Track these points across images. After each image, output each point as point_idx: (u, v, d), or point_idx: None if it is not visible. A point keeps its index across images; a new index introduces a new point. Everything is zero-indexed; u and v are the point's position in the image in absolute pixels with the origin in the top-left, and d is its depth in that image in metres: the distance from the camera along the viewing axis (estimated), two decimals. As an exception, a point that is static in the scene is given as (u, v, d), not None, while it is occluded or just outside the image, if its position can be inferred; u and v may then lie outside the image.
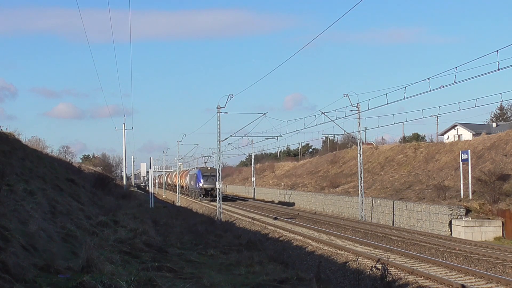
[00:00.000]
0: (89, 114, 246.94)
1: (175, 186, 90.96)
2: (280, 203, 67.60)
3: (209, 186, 66.42)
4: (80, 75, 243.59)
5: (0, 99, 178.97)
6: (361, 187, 41.95)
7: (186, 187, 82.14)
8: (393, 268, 18.41)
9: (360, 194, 42.19)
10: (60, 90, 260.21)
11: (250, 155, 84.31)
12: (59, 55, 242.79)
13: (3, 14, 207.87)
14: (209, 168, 69.03)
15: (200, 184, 67.17)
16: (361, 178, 42.03)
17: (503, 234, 30.86)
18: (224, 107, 42.13)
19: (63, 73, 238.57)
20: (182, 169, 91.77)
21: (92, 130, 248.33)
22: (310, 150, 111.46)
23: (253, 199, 75.79)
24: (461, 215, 32.49)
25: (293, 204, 64.37)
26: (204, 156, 69.69)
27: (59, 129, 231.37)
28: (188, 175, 79.94)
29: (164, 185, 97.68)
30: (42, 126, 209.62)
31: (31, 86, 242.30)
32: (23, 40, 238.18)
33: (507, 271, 19.48)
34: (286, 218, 42.18)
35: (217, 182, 46.13)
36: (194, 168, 78.34)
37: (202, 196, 67.56)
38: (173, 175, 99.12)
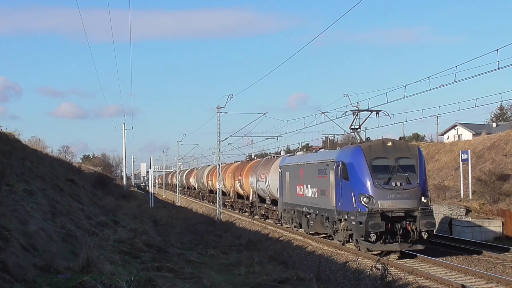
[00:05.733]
0: (92, 114, 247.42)
1: (210, 191, 58.63)
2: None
3: (401, 207, 21.05)
4: (85, 74, 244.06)
5: (5, 99, 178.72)
6: (361, 187, 41.41)
7: (267, 200, 36.48)
8: (393, 268, 18.41)
9: (360, 194, 41.74)
10: (65, 89, 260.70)
11: (250, 155, 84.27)
12: (63, 55, 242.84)
13: (5, 14, 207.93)
14: (389, 144, 22.23)
15: (369, 201, 21.03)
16: (361, 178, 41.50)
17: (503, 234, 30.85)
18: (224, 107, 42.10)
19: (67, 72, 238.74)
20: (182, 169, 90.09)
21: (94, 130, 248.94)
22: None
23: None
24: (461, 215, 32.47)
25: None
26: (358, 109, 26.51)
27: (61, 129, 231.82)
28: (283, 170, 31.15)
29: (164, 185, 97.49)
30: (44, 126, 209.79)
31: (36, 85, 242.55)
32: (27, 40, 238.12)
33: (507, 271, 19.47)
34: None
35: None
36: (322, 149, 30.27)
37: (370, 237, 20.69)
38: (207, 172, 59.03)
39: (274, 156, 39.67)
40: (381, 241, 20.87)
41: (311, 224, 27.17)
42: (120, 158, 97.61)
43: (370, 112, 25.05)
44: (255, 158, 55.50)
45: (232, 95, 41.05)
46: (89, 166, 78.74)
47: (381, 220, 20.36)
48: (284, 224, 32.61)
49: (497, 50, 20.02)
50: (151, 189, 59.07)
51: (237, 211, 47.29)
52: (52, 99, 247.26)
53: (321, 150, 29.22)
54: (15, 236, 10.50)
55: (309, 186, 26.71)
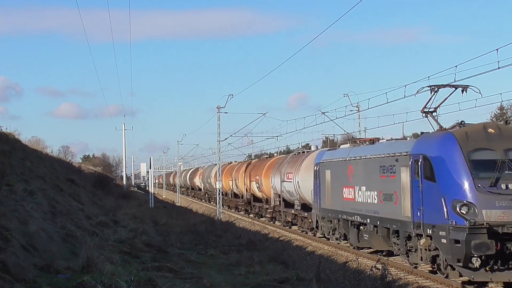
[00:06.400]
0: (92, 114, 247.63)
1: (242, 197, 44.37)
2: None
3: None
4: (85, 74, 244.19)
5: (5, 99, 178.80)
6: (362, 187, 41.14)
7: (296, 205, 30.57)
8: (393, 268, 18.39)
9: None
10: (65, 89, 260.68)
11: (250, 155, 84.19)
12: (63, 55, 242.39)
13: (5, 14, 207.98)
14: (494, 130, 16.17)
15: (468, 210, 14.96)
16: (361, 178, 41.15)
17: (503, 234, 30.83)
18: (224, 107, 42.16)
19: (67, 72, 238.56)
20: (182, 169, 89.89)
21: (94, 130, 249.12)
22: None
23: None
24: (461, 215, 32.36)
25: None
26: (437, 85, 19.20)
27: (61, 129, 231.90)
28: (321, 168, 25.39)
29: (164, 185, 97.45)
30: (44, 126, 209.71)
31: (36, 85, 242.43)
32: (27, 40, 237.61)
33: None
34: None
35: None
36: (383, 139, 22.31)
37: (471, 262, 14.77)
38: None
39: (304, 152, 32.55)
40: (487, 268, 14.91)
41: (365, 238, 21.34)
42: (120, 158, 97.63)
43: (454, 89, 19.00)
44: (255, 158, 55.40)
45: (232, 95, 41.08)
46: (89, 166, 78.73)
47: (489, 239, 14.49)
48: (318, 234, 26.87)
49: (497, 50, 19.94)
50: (151, 189, 59.09)
51: (252, 216, 41.22)
52: (52, 99, 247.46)
53: (381, 140, 22.16)
54: (15, 236, 10.51)
55: (363, 188, 20.88)
